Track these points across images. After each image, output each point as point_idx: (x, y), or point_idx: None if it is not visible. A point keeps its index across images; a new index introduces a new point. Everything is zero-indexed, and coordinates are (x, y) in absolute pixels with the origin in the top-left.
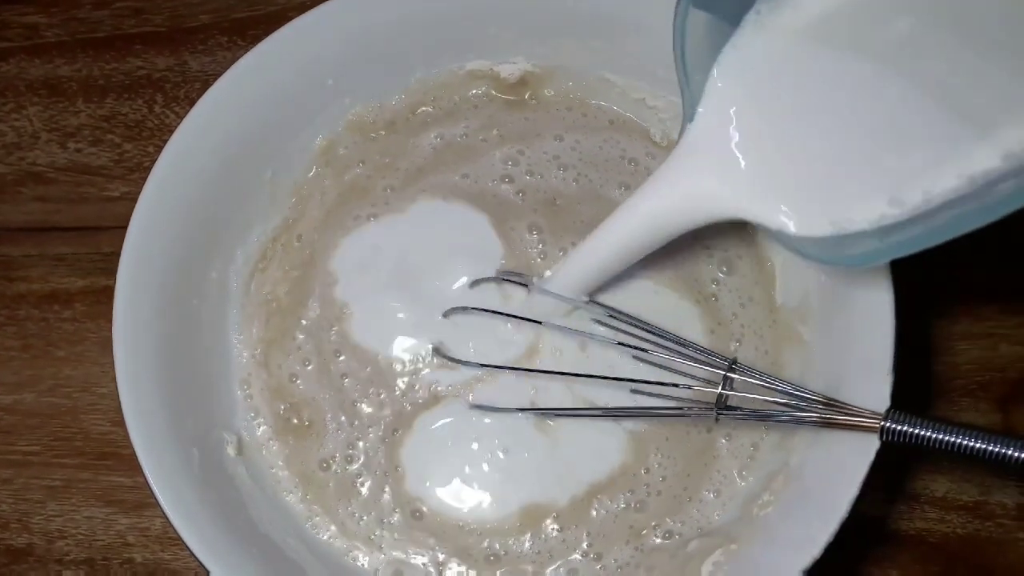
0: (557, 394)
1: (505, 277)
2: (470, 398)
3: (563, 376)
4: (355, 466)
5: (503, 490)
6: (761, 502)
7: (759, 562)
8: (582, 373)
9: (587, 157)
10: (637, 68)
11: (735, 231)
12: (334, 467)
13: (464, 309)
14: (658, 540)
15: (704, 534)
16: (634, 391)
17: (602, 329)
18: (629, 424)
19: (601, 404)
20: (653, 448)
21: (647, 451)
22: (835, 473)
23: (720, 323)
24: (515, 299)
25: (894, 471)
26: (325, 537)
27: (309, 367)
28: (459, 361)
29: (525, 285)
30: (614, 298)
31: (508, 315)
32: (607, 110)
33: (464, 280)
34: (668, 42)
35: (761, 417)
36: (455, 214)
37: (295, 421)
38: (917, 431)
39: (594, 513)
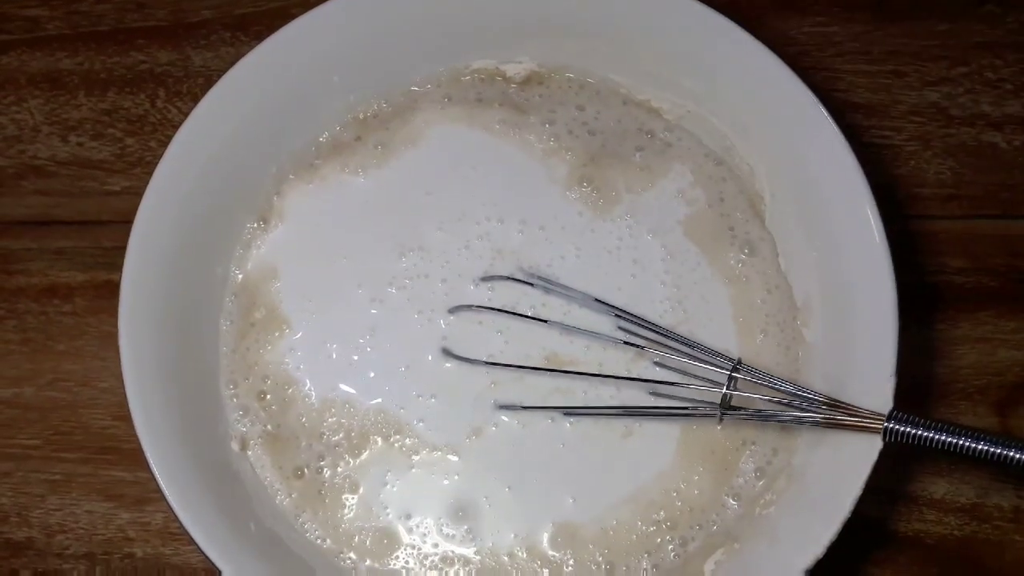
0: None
1: (513, 277)
2: (492, 401)
3: (569, 376)
4: (325, 475)
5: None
6: (763, 501)
7: (761, 561)
8: (587, 372)
9: (607, 128)
10: (642, 70)
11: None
12: (307, 474)
13: (469, 307)
14: (671, 547)
15: (707, 533)
16: (653, 392)
17: (607, 329)
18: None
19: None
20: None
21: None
22: (838, 473)
23: (751, 308)
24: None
25: (892, 473)
26: (315, 537)
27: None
28: (469, 360)
29: (532, 284)
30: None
31: (514, 313)
32: (619, 93)
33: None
34: (673, 44)
35: (765, 417)
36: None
37: (269, 428)
38: (920, 432)
39: (612, 533)
